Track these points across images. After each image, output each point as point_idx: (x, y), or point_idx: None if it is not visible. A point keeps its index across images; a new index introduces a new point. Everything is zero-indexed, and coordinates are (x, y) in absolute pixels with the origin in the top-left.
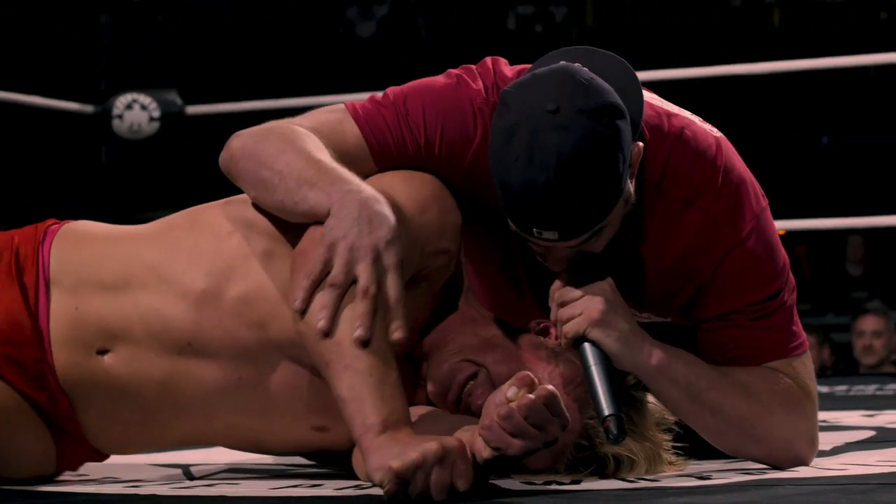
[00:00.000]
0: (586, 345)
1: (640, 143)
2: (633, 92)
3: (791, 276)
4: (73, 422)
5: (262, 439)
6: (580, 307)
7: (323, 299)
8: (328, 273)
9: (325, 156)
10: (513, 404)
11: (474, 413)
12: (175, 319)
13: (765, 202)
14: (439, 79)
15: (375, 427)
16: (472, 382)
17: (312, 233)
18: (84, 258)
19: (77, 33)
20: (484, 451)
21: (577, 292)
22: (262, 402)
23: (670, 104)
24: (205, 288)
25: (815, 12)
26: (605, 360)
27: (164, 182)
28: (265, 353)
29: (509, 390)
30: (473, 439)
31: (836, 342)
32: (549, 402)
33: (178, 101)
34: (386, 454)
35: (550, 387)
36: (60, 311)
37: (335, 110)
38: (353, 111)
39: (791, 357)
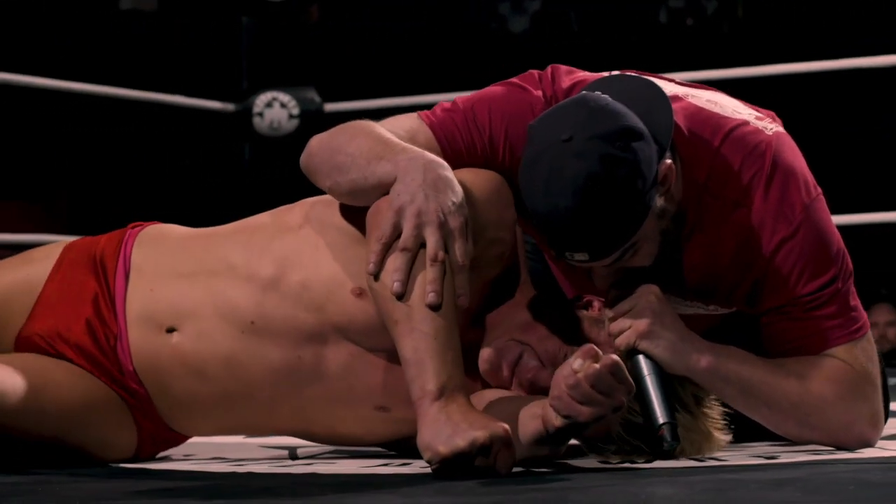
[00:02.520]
0: (639, 356)
1: (669, 161)
2: (660, 111)
3: (848, 261)
4: (148, 403)
5: (331, 425)
6: (629, 320)
7: (395, 263)
8: (398, 236)
9: (393, 137)
10: (579, 374)
11: (526, 389)
12: (240, 299)
13: (816, 192)
14: (503, 87)
15: (433, 392)
16: (520, 361)
17: (381, 201)
18: (163, 251)
19: (219, 34)
20: (556, 420)
21: (625, 305)
22: (323, 384)
23: (732, 105)
24: (270, 274)
25: None
26: (658, 369)
27: (303, 178)
28: (323, 333)
29: (575, 362)
30: (545, 411)
31: None
32: (614, 370)
33: (317, 98)
34: (437, 433)
35: (614, 356)
36: (136, 293)
37: (409, 117)
38: (426, 117)
39: (848, 342)
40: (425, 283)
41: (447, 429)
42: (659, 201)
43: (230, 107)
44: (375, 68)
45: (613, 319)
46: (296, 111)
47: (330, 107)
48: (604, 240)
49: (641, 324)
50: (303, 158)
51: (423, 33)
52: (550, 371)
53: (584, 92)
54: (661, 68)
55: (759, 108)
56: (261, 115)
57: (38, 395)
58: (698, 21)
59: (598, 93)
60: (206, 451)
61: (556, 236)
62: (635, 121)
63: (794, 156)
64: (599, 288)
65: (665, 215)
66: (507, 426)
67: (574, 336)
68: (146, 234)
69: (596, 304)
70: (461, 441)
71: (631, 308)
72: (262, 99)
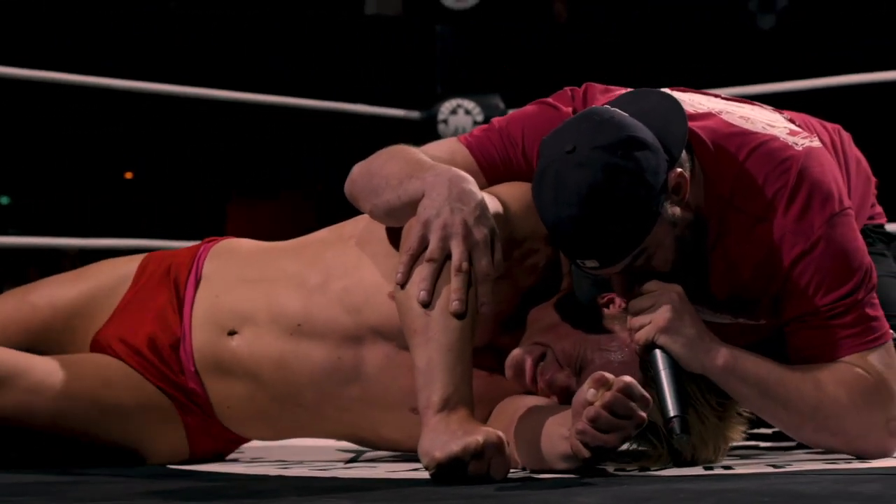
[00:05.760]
0: (656, 351)
1: (680, 170)
2: (675, 124)
3: (872, 274)
4: (206, 404)
5: (373, 428)
6: (650, 316)
7: (422, 273)
8: (426, 248)
9: (425, 157)
10: (597, 404)
11: (548, 391)
12: (290, 304)
13: (841, 207)
14: (536, 106)
15: (436, 405)
16: (541, 364)
17: (412, 219)
18: (232, 262)
19: (415, 44)
20: (585, 453)
21: (647, 301)
22: (361, 384)
23: (766, 120)
24: (318, 280)
25: None
26: (674, 364)
27: None
28: (361, 334)
29: (588, 392)
30: (574, 442)
31: None
32: (628, 391)
33: (501, 104)
34: (435, 440)
35: (626, 377)
36: (203, 299)
37: (448, 140)
38: (464, 139)
39: (864, 351)
40: (449, 293)
41: (444, 436)
42: (671, 209)
43: (415, 114)
44: (560, 73)
45: (635, 315)
46: (480, 118)
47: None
48: (611, 247)
49: (661, 319)
50: (346, 185)
51: (611, 37)
52: (568, 371)
53: (591, 107)
54: None
55: (812, 123)
56: (445, 122)
57: (75, 388)
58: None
59: (607, 106)
60: (270, 454)
61: (566, 245)
62: (640, 132)
63: (823, 171)
64: (619, 295)
65: (679, 223)
66: (501, 434)
67: (594, 333)
68: (219, 247)
69: (617, 301)
70: (455, 446)
71: (652, 304)
72: (447, 106)
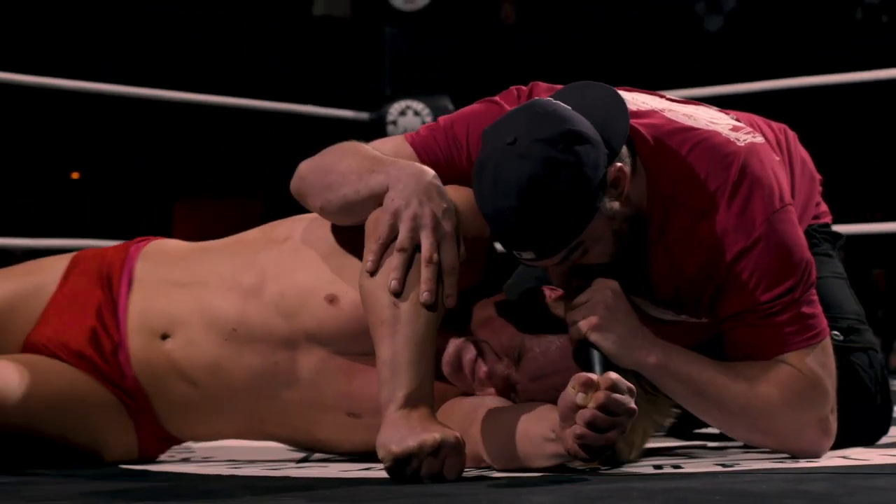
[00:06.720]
0: (590, 348)
1: (620, 164)
2: (616, 119)
3: (811, 271)
4: (148, 406)
5: (311, 430)
6: (583, 312)
7: (393, 263)
8: (395, 238)
9: (380, 154)
10: (591, 406)
11: (487, 383)
12: (224, 308)
13: (782, 204)
14: (481, 105)
15: (400, 400)
16: (479, 358)
17: (378, 210)
18: (163, 264)
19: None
20: (584, 455)
21: (582, 298)
22: (297, 389)
23: (708, 117)
24: (252, 284)
25: None
26: (606, 361)
27: None
28: (296, 339)
29: (577, 396)
30: (571, 446)
31: None
32: (615, 388)
33: (450, 106)
34: (393, 434)
35: (611, 374)
36: (137, 302)
37: (393, 139)
38: (409, 137)
39: (800, 349)
40: (419, 283)
41: (403, 431)
42: (609, 204)
43: (364, 115)
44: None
45: (570, 310)
46: (429, 119)
47: None
48: (548, 239)
49: (594, 316)
50: (293, 183)
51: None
52: (507, 361)
53: (534, 98)
54: (858, 66)
55: (757, 122)
56: (394, 123)
57: (39, 390)
58: (894, 17)
59: (550, 99)
60: (220, 454)
61: (504, 236)
62: (581, 125)
63: (763, 167)
64: (556, 286)
65: (617, 218)
66: (458, 434)
67: (531, 322)
68: (150, 248)
69: (548, 293)
70: (412, 441)
71: (587, 301)
72: (397, 107)
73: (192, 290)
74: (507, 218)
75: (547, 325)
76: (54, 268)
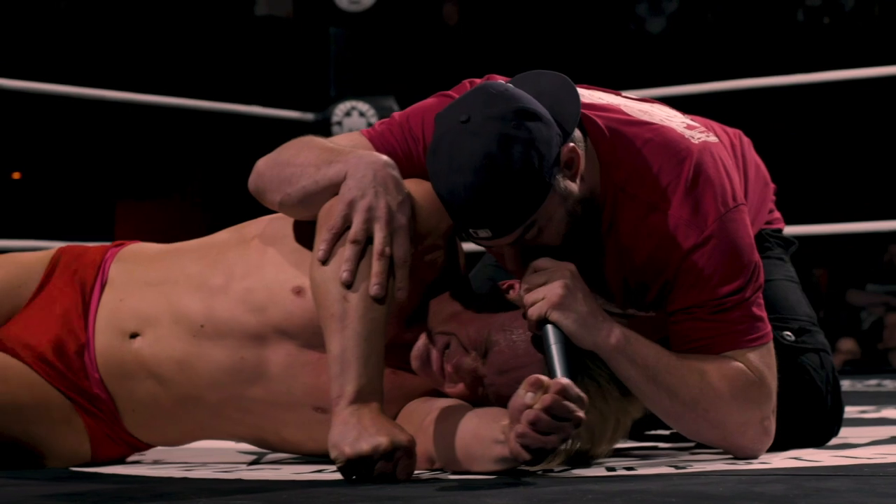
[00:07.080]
0: (548, 326)
1: (573, 145)
2: (567, 103)
3: (759, 273)
4: (111, 409)
5: (277, 429)
6: (542, 292)
7: (345, 254)
8: (348, 228)
9: (339, 145)
10: (536, 407)
11: (454, 377)
12: (192, 306)
13: (734, 203)
14: (436, 99)
15: (349, 396)
16: (447, 351)
17: (332, 200)
18: (136, 265)
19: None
20: (525, 456)
21: (540, 278)
22: (264, 385)
23: (664, 115)
24: (220, 282)
25: None
26: (566, 340)
27: None
28: (264, 334)
29: (526, 396)
30: (513, 446)
31: None
32: (564, 393)
33: (395, 107)
34: (346, 433)
35: (563, 380)
36: (107, 303)
37: (350, 134)
38: (366, 133)
39: (747, 348)
40: (370, 276)
41: (355, 431)
42: (563, 182)
43: (309, 116)
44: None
45: (528, 291)
46: (374, 120)
47: None
48: (504, 215)
49: (554, 295)
50: (251, 180)
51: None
52: (474, 354)
53: (486, 81)
54: (800, 68)
55: (712, 125)
56: (340, 123)
57: None
58: (835, 19)
59: (502, 81)
60: (172, 456)
61: (459, 214)
62: (533, 104)
63: (717, 165)
64: (510, 270)
65: (571, 198)
66: (411, 436)
67: (497, 316)
68: (126, 251)
69: (517, 286)
70: (365, 444)
71: (546, 281)
72: (342, 108)
73: (162, 290)
74: (462, 195)
75: (514, 318)
76: (37, 264)
